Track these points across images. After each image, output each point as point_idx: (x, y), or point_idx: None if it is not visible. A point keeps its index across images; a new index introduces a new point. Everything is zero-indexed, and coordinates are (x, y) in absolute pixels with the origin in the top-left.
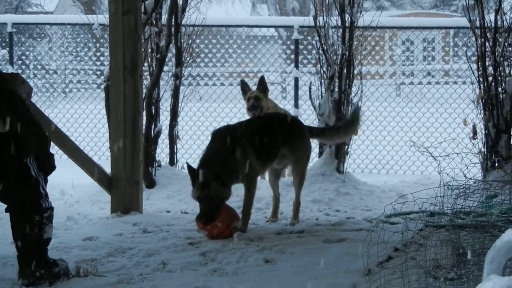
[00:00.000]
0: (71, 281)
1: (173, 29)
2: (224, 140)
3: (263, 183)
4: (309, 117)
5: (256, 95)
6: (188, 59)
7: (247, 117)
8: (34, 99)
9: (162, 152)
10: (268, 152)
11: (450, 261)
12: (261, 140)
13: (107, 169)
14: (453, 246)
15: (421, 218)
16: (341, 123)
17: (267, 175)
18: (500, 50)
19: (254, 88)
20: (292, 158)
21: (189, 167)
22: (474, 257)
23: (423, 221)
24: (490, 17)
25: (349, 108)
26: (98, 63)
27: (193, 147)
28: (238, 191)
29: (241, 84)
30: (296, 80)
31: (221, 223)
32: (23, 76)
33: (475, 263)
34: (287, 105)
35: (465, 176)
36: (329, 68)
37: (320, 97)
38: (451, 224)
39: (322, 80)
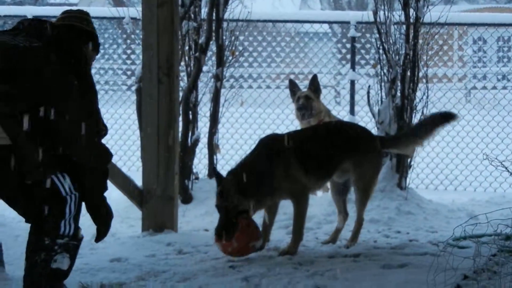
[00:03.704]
0: None
1: (213, 24)
2: (264, 148)
3: (313, 200)
4: (366, 125)
5: (307, 95)
6: (230, 58)
7: (296, 123)
8: None
9: (200, 163)
10: (322, 165)
11: None
12: (314, 152)
13: (138, 181)
14: None
15: (495, 241)
16: (420, 123)
17: (319, 191)
18: None
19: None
20: (355, 173)
21: (216, 173)
22: None
23: (497, 245)
24: None
25: (413, 116)
26: (128, 61)
27: (234, 157)
28: (284, 208)
29: (289, 84)
30: (352, 83)
31: (238, 242)
32: None
33: None
34: (341, 111)
35: None
36: (391, 70)
37: (379, 102)
38: None
39: (382, 84)
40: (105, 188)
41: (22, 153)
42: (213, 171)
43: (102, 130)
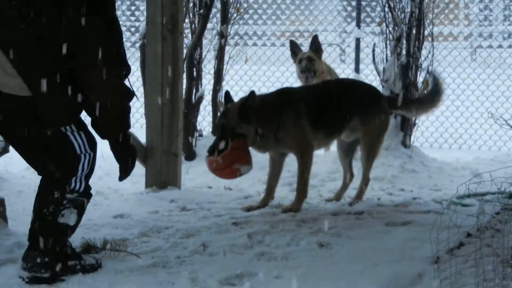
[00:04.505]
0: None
1: None
2: (279, 95)
3: (317, 157)
4: (371, 83)
5: (309, 56)
6: (234, 15)
7: (299, 82)
8: None
9: (203, 120)
10: (331, 122)
11: None
12: (323, 107)
13: (142, 138)
14: None
15: (499, 199)
16: (426, 95)
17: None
18: None
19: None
20: (363, 131)
21: (226, 93)
22: None
23: (501, 203)
24: None
25: (418, 74)
26: (132, 18)
27: None
28: (289, 165)
29: (290, 45)
30: (358, 41)
31: (223, 159)
32: None
33: None
34: (346, 69)
35: None
36: (396, 28)
37: (384, 60)
38: None
39: (388, 42)
40: (128, 126)
41: (41, 102)
42: (225, 93)
43: (124, 69)
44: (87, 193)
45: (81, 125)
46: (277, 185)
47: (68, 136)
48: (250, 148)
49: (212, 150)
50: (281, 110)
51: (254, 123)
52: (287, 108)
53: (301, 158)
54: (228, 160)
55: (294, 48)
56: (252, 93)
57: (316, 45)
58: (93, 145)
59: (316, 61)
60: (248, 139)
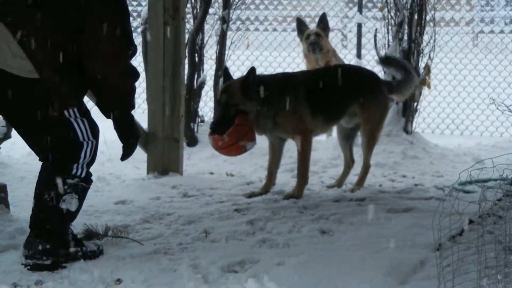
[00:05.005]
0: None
1: None
2: (282, 78)
3: (319, 143)
4: (373, 69)
5: (317, 32)
6: (236, 0)
7: (301, 66)
8: None
9: (205, 105)
10: (331, 108)
11: None
12: (323, 93)
13: (143, 124)
14: None
15: (501, 186)
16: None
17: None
18: None
19: None
20: (363, 117)
21: (225, 70)
22: None
23: (503, 190)
24: None
25: (420, 59)
26: (134, 3)
27: None
28: (290, 152)
29: (297, 22)
30: (359, 26)
31: (229, 137)
32: None
33: None
34: (348, 55)
35: None
36: (398, 13)
37: (386, 46)
38: None
39: (389, 27)
40: (133, 106)
41: (48, 85)
42: (224, 69)
43: (131, 49)
44: (87, 180)
45: (85, 113)
46: (277, 171)
47: (71, 123)
48: None
49: (215, 127)
50: (280, 94)
51: (256, 100)
52: (287, 92)
53: (300, 144)
54: (234, 138)
55: (301, 25)
56: (252, 69)
57: (324, 23)
58: (95, 133)
59: (324, 38)
60: (250, 116)
